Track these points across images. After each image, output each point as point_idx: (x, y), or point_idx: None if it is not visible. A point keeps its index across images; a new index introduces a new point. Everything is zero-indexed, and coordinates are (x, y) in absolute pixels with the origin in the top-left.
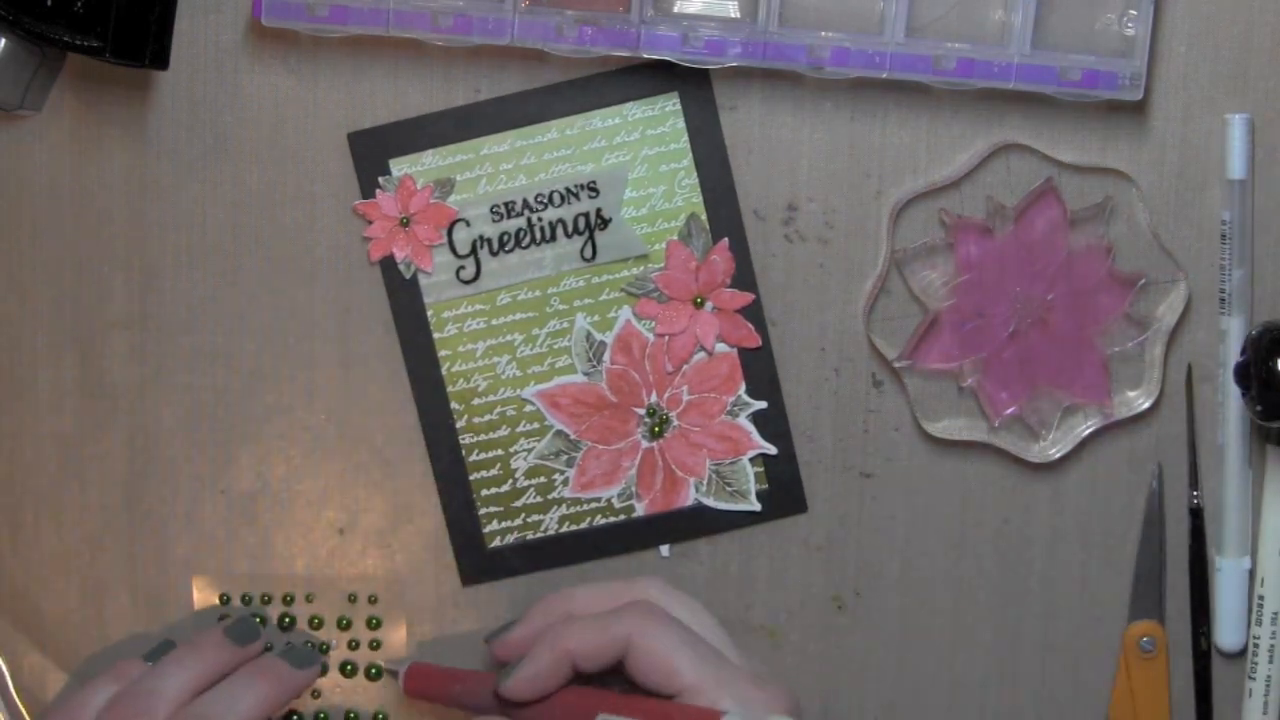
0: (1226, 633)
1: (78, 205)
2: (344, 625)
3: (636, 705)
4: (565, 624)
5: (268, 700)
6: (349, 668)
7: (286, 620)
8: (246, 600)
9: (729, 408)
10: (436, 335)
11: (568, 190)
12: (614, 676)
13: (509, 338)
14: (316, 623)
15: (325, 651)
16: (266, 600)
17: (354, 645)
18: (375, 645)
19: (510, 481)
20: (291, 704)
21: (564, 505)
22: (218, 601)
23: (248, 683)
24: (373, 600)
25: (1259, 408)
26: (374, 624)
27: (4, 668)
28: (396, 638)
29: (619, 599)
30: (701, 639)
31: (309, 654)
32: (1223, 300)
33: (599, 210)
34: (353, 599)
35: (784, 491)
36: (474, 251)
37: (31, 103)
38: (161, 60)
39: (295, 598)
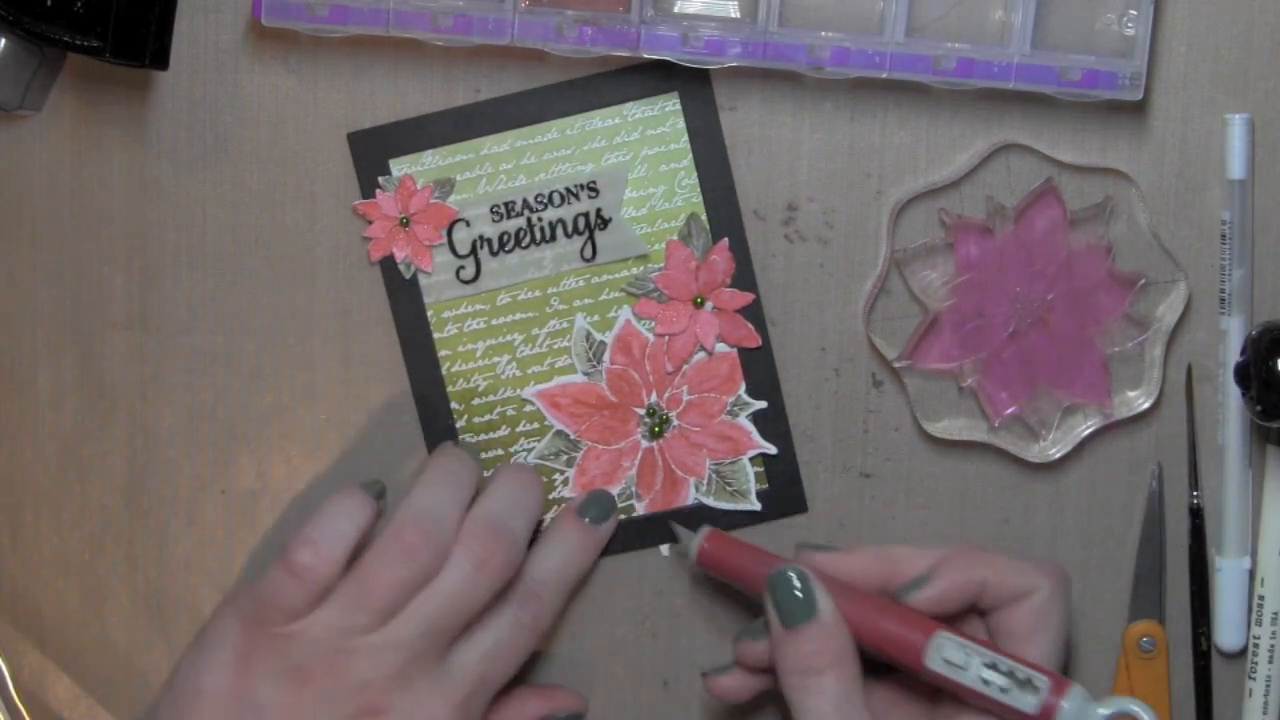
0: (1226, 633)
1: (78, 205)
2: None
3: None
4: (976, 552)
5: (539, 502)
6: None
7: None
8: None
9: (729, 408)
10: (436, 335)
11: (568, 190)
12: None
13: (509, 338)
14: None
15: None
16: None
17: None
18: None
19: None
20: None
21: (564, 505)
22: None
23: (520, 484)
24: None
25: (1259, 408)
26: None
27: (4, 668)
28: None
29: (1026, 577)
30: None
31: (523, 465)
32: (1223, 300)
33: (599, 210)
34: None
35: (784, 491)
36: (474, 251)
37: (31, 103)
38: (161, 60)
39: None
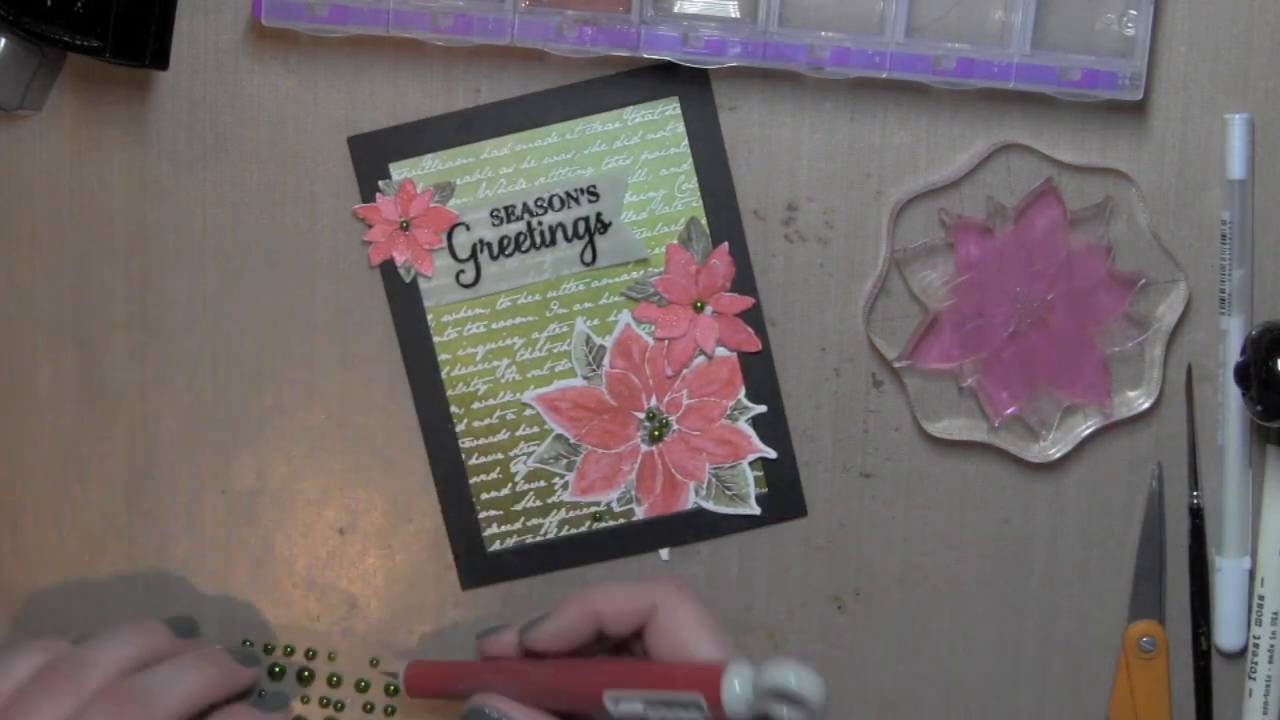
0: (1226, 633)
1: (78, 205)
2: (362, 688)
3: (640, 672)
4: (596, 586)
5: (209, 685)
6: (363, 684)
7: (305, 674)
8: (269, 650)
9: (729, 412)
10: (436, 339)
11: (568, 194)
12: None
13: (509, 341)
14: (335, 680)
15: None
16: (289, 652)
17: (369, 709)
18: (390, 712)
19: (510, 485)
20: None
21: (563, 509)
22: (240, 644)
23: (190, 664)
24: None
25: (1259, 408)
26: (391, 690)
27: None
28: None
29: (639, 600)
30: (721, 625)
31: (252, 654)
32: (1223, 300)
33: (599, 214)
34: (374, 663)
35: (783, 495)
36: (474, 255)
37: (31, 103)
38: (161, 60)
39: (318, 653)
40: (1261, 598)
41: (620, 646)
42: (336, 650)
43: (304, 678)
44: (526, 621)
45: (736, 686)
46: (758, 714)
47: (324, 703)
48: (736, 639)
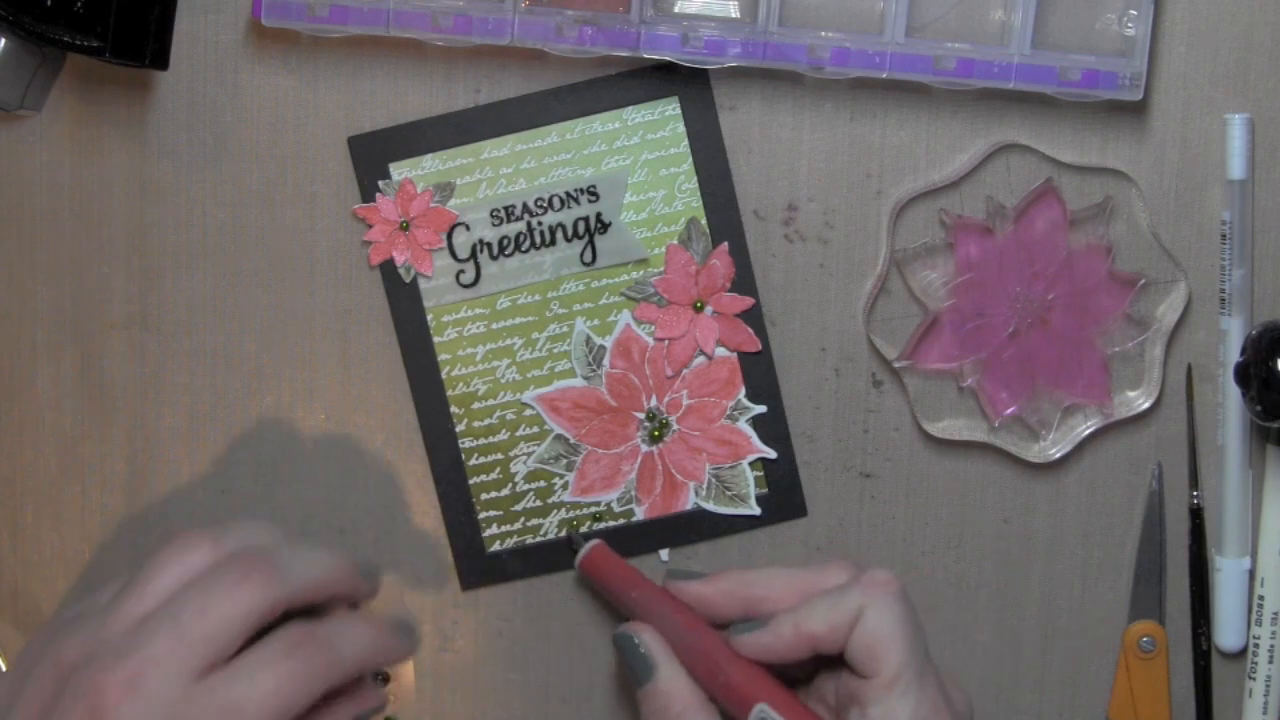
0: (1226, 633)
1: (78, 205)
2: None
3: (797, 712)
4: (807, 605)
5: (334, 573)
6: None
7: None
8: None
9: (729, 412)
10: (436, 339)
11: (568, 194)
12: None
13: (509, 342)
14: None
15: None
16: None
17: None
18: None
19: (510, 485)
20: None
21: (564, 509)
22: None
23: (322, 552)
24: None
25: (1259, 408)
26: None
27: (4, 668)
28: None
29: (804, 586)
30: (920, 624)
31: (373, 568)
32: (1223, 300)
33: (599, 214)
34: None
35: (783, 496)
36: (474, 255)
37: (31, 103)
38: (161, 60)
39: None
40: (1261, 598)
41: None
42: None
43: None
44: (678, 571)
45: None
46: None
47: None
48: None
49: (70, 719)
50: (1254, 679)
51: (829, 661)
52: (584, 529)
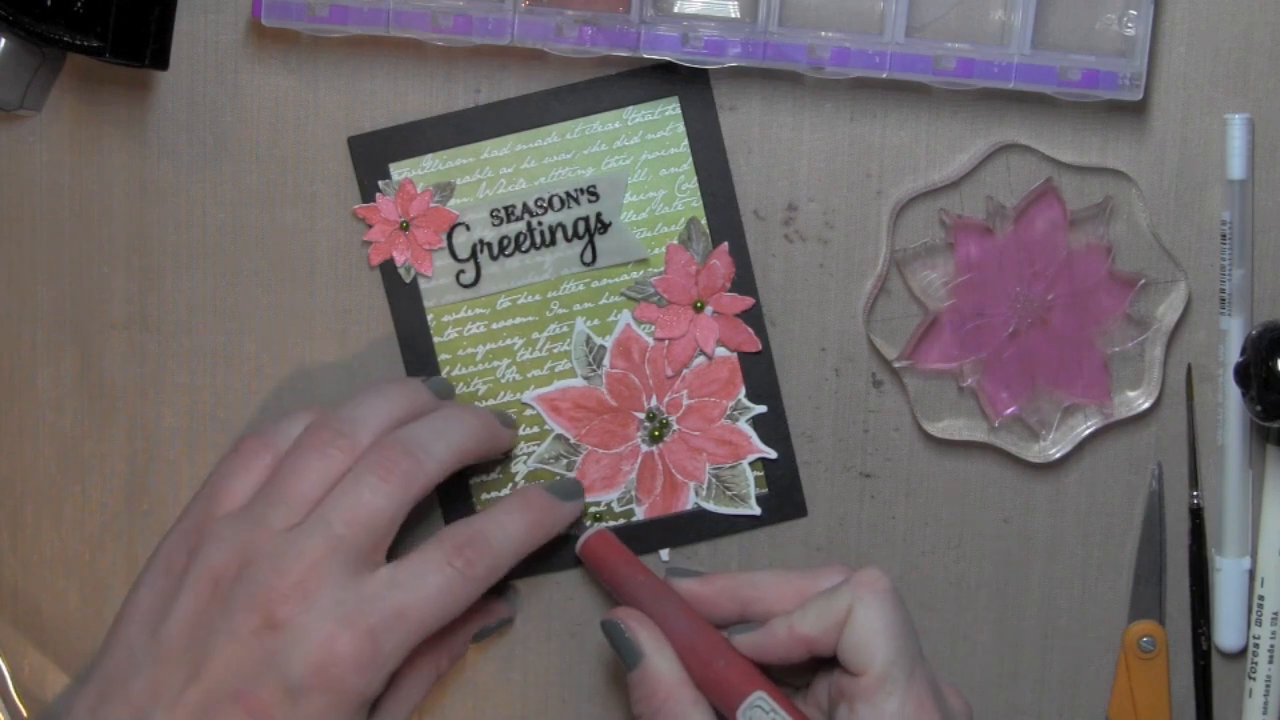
0: (1226, 633)
1: (78, 205)
2: None
3: (789, 707)
4: (800, 608)
5: (473, 437)
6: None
7: None
8: None
9: (729, 412)
10: (436, 339)
11: (568, 194)
12: None
13: (509, 342)
14: None
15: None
16: None
17: None
18: None
19: (510, 485)
20: None
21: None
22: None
23: (456, 416)
24: None
25: (1259, 408)
26: None
27: (4, 668)
28: None
29: (799, 588)
30: (910, 623)
31: (510, 416)
32: (1223, 300)
33: (599, 214)
34: None
35: (784, 496)
36: (474, 255)
37: (31, 103)
38: (161, 60)
39: None
40: (1261, 598)
41: None
42: None
43: None
44: (679, 568)
45: None
46: None
47: None
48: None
49: (244, 629)
50: (1254, 679)
51: (824, 664)
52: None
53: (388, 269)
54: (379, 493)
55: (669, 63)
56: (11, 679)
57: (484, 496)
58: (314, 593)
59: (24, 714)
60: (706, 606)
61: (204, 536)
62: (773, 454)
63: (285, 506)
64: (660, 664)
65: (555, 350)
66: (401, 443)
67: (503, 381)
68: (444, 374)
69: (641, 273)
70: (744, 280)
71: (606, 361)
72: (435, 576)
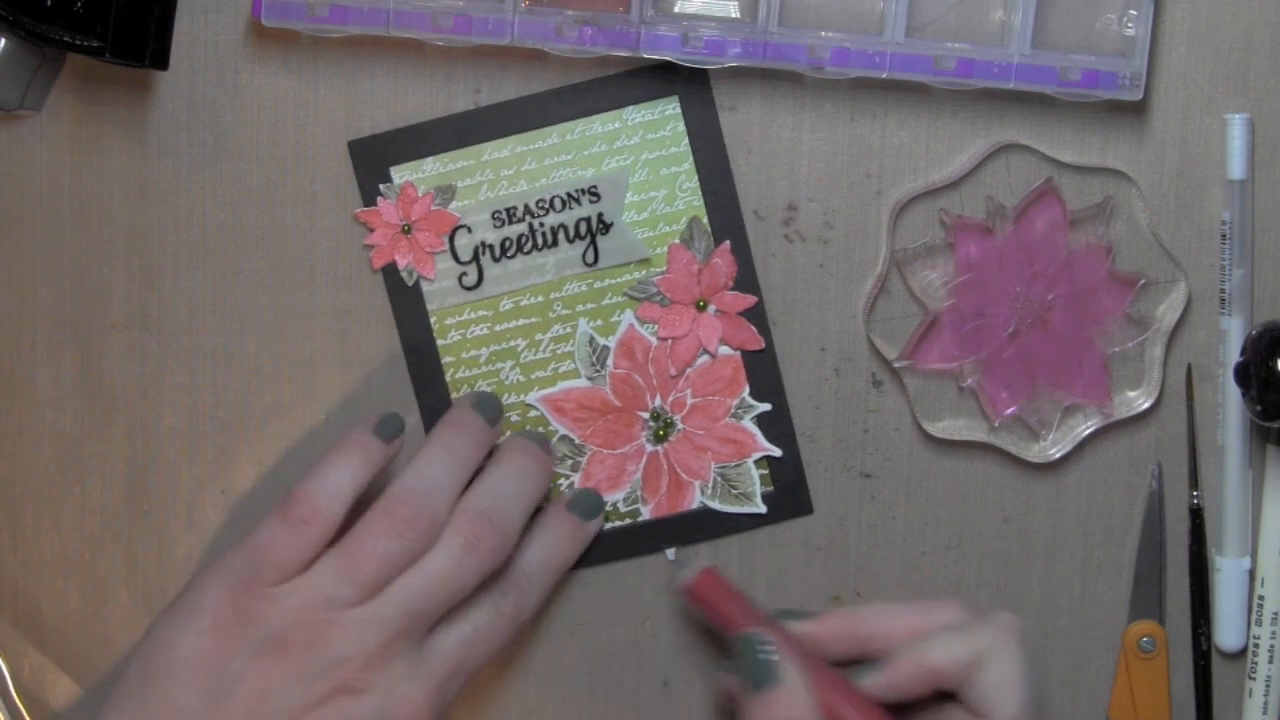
0: (1226, 633)
1: (78, 205)
2: None
3: None
4: (927, 640)
5: (542, 488)
6: None
7: None
8: None
9: (733, 410)
10: (440, 342)
11: (569, 195)
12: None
13: (512, 343)
14: None
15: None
16: None
17: None
18: None
19: None
20: None
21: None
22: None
23: (523, 471)
24: None
25: (1259, 408)
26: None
27: (4, 668)
28: None
29: (916, 623)
30: (1036, 674)
31: (542, 436)
32: (1223, 300)
33: (600, 215)
34: None
35: (789, 493)
36: (476, 258)
37: (31, 103)
38: (161, 60)
39: None
40: (1261, 598)
41: None
42: None
43: None
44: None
45: None
46: None
47: None
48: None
49: (320, 695)
50: (1254, 679)
51: (932, 701)
52: None
53: (390, 272)
54: (464, 568)
55: (669, 63)
56: (11, 679)
57: None
58: (391, 661)
59: (24, 714)
60: (822, 646)
61: (264, 601)
62: (777, 452)
63: (357, 586)
64: (799, 692)
65: (559, 351)
66: (485, 516)
67: (506, 383)
68: (448, 377)
69: (644, 272)
70: (746, 279)
71: (610, 362)
72: (489, 630)
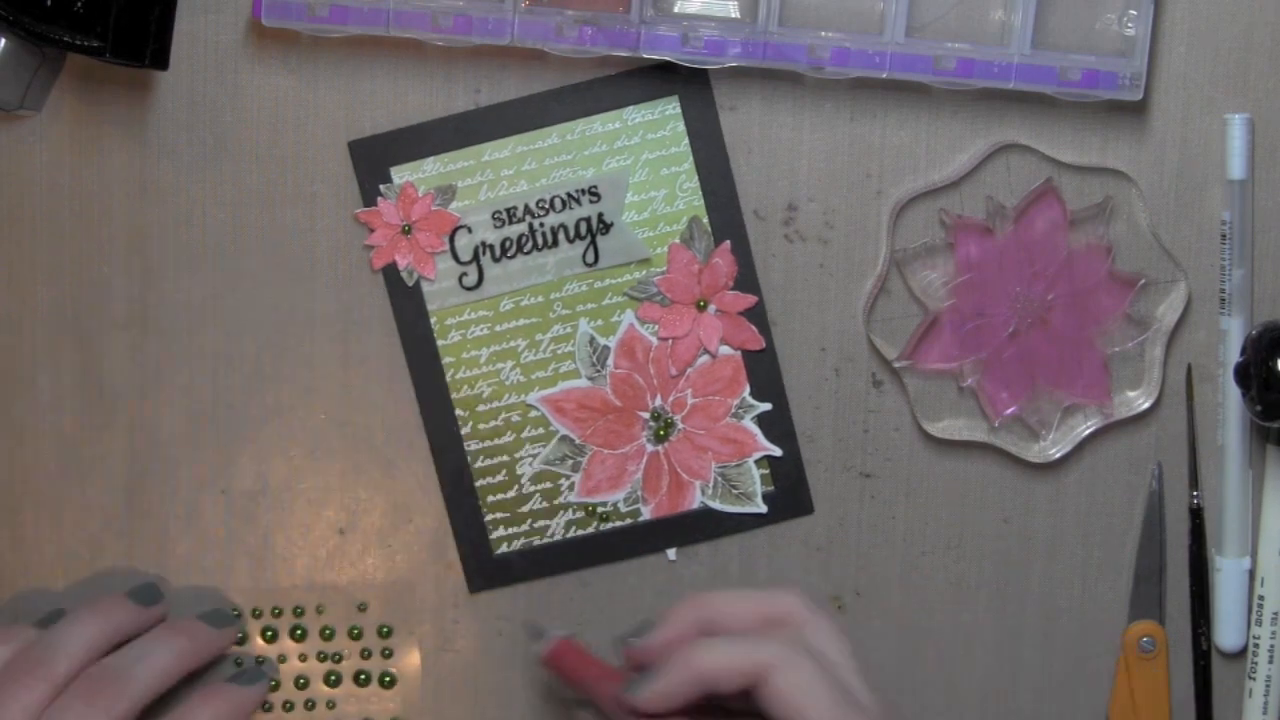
0: (1226, 633)
1: (78, 205)
2: (355, 635)
3: None
4: (703, 643)
5: (183, 657)
6: (362, 676)
7: (298, 632)
8: (257, 614)
9: (733, 410)
10: (440, 342)
11: (569, 195)
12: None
13: (512, 343)
14: (328, 633)
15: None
16: (277, 613)
17: (366, 654)
18: (387, 654)
19: (516, 487)
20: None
21: (570, 510)
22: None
23: (160, 637)
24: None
25: (1259, 408)
26: (384, 632)
27: None
28: (408, 643)
29: (759, 609)
30: (838, 681)
31: (226, 616)
32: (1223, 300)
33: (600, 215)
34: (362, 608)
35: (790, 493)
36: (476, 258)
37: (31, 103)
38: (161, 60)
39: (305, 609)
40: (1261, 598)
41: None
42: (324, 604)
43: (296, 634)
44: (628, 630)
45: None
46: None
47: (321, 657)
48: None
49: None
50: (1254, 679)
51: None
52: (591, 529)
53: (390, 272)
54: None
55: (669, 63)
56: None
57: (490, 499)
58: None
59: None
60: (677, 643)
61: None
62: (778, 451)
63: None
64: None
65: (559, 351)
66: (102, 671)
67: (506, 383)
68: (448, 377)
69: (644, 272)
70: (746, 279)
71: (610, 362)
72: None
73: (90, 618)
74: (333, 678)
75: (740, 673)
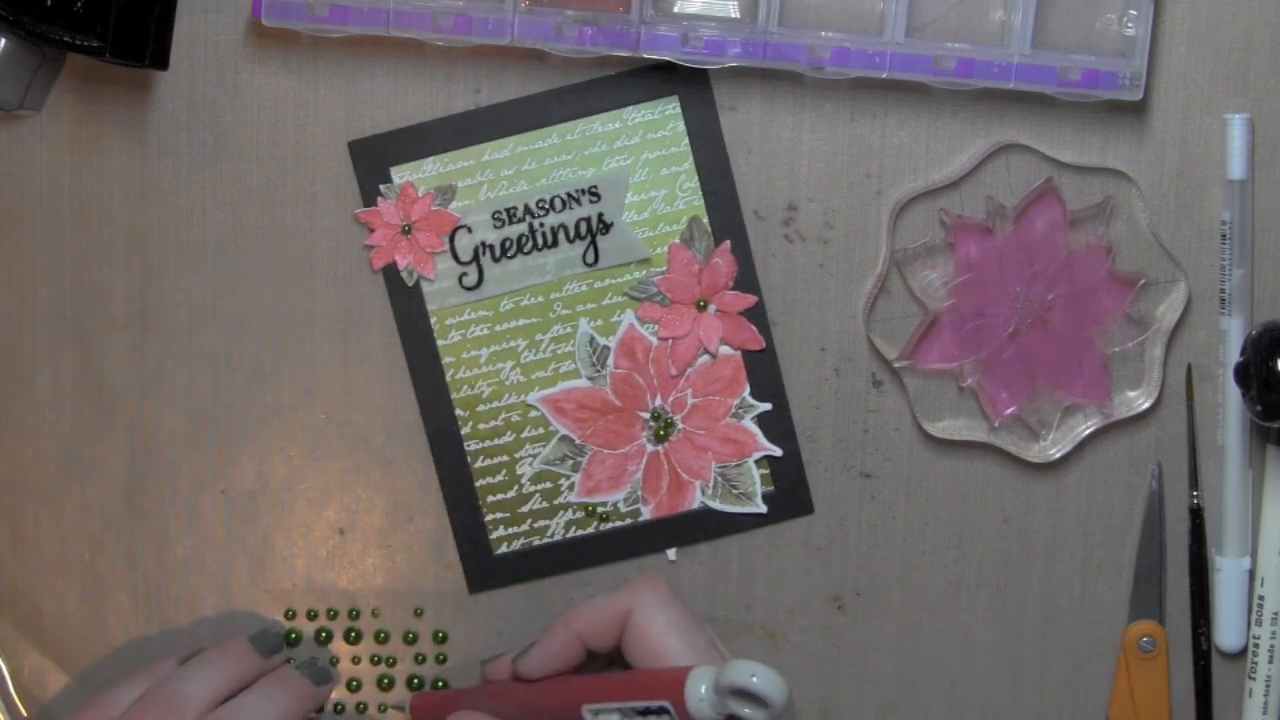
0: (1226, 633)
1: (78, 205)
2: (410, 640)
3: (612, 684)
4: (576, 606)
5: (287, 713)
6: (415, 681)
7: (352, 634)
8: (312, 615)
9: (733, 410)
10: (440, 342)
11: (569, 195)
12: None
13: (512, 344)
14: (383, 637)
15: (334, 665)
16: (333, 615)
17: (420, 659)
18: (390, 662)
19: (516, 487)
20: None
21: (570, 510)
22: (283, 618)
23: (271, 694)
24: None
25: (1259, 408)
26: (440, 638)
27: (4, 668)
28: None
29: (615, 608)
30: (698, 625)
31: (326, 670)
32: (1223, 300)
33: (600, 215)
34: (419, 613)
35: (790, 493)
36: (476, 258)
37: (31, 103)
38: (161, 60)
39: (361, 612)
40: (1261, 598)
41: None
42: (379, 607)
43: (351, 637)
44: (519, 650)
45: (700, 690)
46: (725, 716)
47: (375, 660)
48: (736, 639)
49: None
50: (1254, 679)
51: None
52: (591, 529)
53: (390, 272)
54: None
55: (669, 63)
56: (11, 679)
57: (490, 499)
58: None
59: (24, 714)
60: (550, 662)
61: None
62: (778, 451)
63: None
64: None
65: (559, 351)
66: None
67: (507, 383)
68: (448, 377)
69: (644, 272)
70: (746, 279)
71: (610, 362)
72: None
73: (219, 664)
74: (381, 635)
75: (610, 623)
